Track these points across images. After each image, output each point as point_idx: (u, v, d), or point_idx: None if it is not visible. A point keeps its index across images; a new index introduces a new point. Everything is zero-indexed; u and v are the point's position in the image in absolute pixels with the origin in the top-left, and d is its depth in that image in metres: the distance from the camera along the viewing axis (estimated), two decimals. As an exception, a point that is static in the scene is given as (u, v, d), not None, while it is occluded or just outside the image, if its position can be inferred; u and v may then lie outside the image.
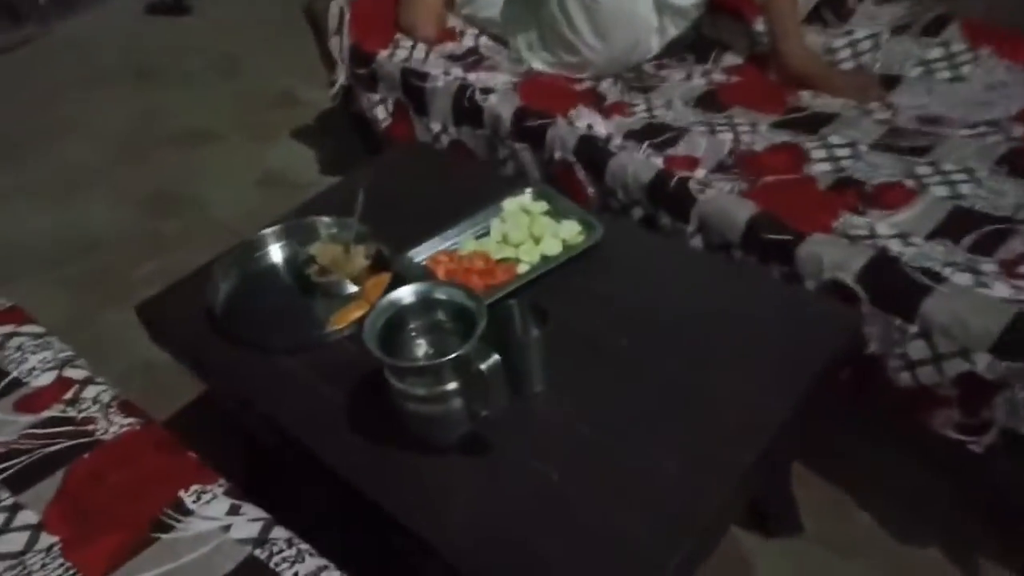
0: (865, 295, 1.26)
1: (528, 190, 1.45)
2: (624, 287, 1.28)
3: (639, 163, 1.57)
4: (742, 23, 1.98)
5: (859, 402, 1.37)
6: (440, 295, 1.06)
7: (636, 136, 1.66)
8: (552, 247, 1.33)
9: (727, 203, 1.44)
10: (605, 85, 1.92)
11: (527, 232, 1.35)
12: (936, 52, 1.75)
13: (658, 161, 1.57)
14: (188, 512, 0.98)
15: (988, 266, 1.25)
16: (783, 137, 1.62)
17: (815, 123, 1.65)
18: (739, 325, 1.18)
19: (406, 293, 1.05)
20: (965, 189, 1.40)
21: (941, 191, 1.41)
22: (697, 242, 1.48)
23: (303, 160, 2.66)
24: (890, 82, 1.75)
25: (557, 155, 1.67)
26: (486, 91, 1.81)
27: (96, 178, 2.74)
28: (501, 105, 1.77)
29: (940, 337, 1.19)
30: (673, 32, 1.92)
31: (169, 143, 2.88)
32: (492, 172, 1.78)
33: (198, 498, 1.00)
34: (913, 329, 1.21)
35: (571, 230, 1.35)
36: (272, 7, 3.38)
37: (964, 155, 1.48)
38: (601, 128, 1.67)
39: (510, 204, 1.42)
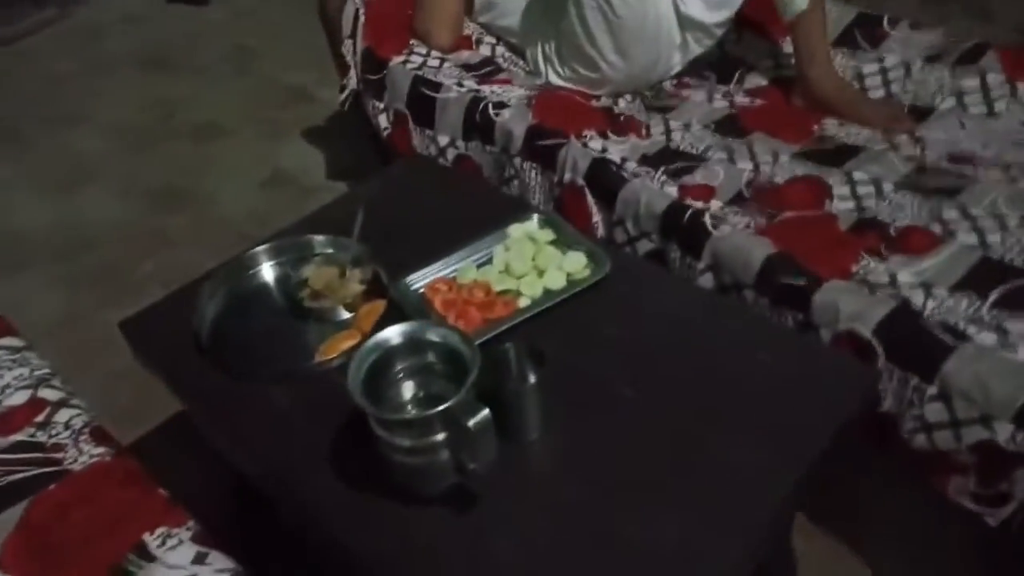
0: (882, 350, 1.19)
1: (535, 216, 1.38)
2: (629, 327, 1.21)
3: (653, 192, 1.50)
4: (769, 42, 1.91)
5: (873, 450, 1.30)
6: (432, 337, 1.00)
7: (651, 161, 1.59)
8: (556, 280, 1.26)
9: (742, 241, 1.37)
10: (623, 103, 1.85)
11: (530, 263, 1.29)
12: (971, 83, 1.66)
13: (672, 190, 1.50)
14: (152, 558, 0.94)
15: (1015, 325, 1.17)
16: (805, 169, 1.55)
17: (840, 156, 1.57)
18: (748, 376, 1.11)
19: (394, 334, 0.99)
20: (994, 238, 1.32)
21: (968, 239, 1.33)
22: (707, 280, 1.41)
23: (314, 161, 2.61)
24: (921, 114, 1.67)
25: (567, 177, 1.60)
26: (499, 106, 1.74)
27: (102, 170, 2.70)
28: (513, 121, 1.70)
29: (959, 401, 1.12)
30: (696, 50, 1.85)
31: (178, 136, 2.83)
32: (499, 194, 1.72)
33: (163, 542, 0.95)
34: (931, 390, 1.14)
35: (577, 263, 1.29)
36: (291, 0, 3.33)
37: (995, 200, 1.40)
38: (615, 152, 1.60)
39: (515, 231, 1.36)
